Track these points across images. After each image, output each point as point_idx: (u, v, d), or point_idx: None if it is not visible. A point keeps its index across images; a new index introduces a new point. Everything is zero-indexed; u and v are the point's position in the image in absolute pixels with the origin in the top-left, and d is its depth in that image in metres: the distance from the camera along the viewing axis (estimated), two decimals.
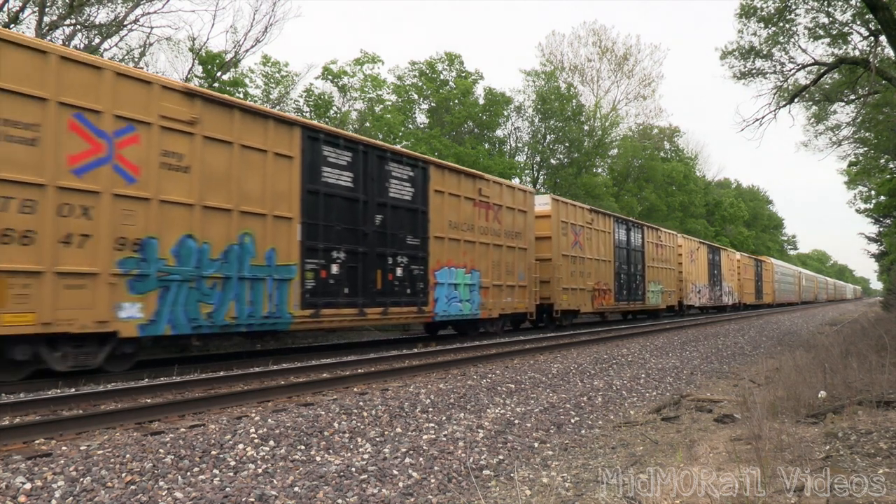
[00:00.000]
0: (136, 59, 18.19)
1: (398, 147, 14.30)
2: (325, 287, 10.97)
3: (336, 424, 6.22)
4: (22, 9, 15.44)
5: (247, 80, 22.93)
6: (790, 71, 17.27)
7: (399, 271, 12.64)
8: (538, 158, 34.89)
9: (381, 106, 27.64)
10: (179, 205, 8.82)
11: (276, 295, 10.10)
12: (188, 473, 4.74)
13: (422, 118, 30.81)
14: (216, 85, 20.44)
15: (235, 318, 9.43)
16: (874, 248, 43.51)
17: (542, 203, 18.29)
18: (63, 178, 7.65)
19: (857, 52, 16.66)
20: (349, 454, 5.51)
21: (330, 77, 26.05)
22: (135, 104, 8.39)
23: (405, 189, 12.90)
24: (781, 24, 16.20)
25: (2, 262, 7.13)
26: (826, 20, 16.18)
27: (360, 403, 7.10)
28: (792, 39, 16.58)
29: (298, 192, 10.56)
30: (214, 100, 9.37)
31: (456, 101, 29.55)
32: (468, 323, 15.46)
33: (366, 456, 5.45)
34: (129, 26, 17.44)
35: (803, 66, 17.09)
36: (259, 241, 9.86)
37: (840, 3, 15.73)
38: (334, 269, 11.19)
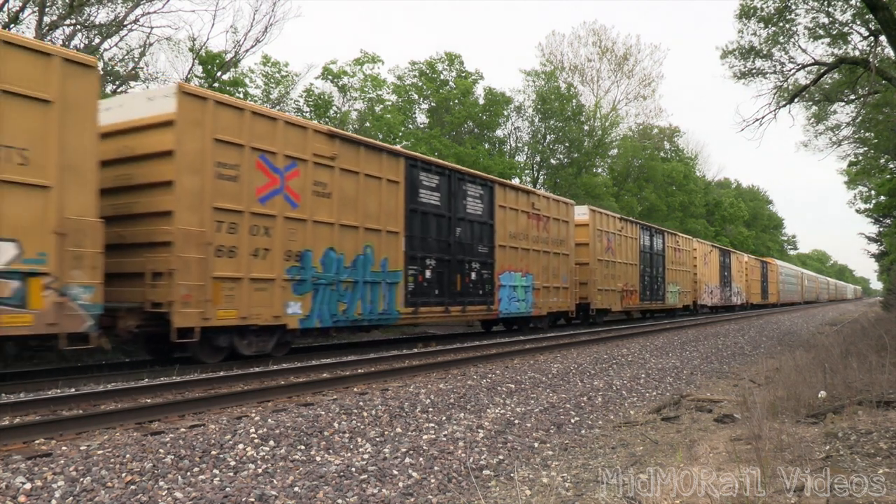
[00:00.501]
0: (136, 60, 18.20)
1: (473, 170, 16.18)
2: (421, 289, 13.15)
3: (336, 424, 6.22)
4: (22, 9, 15.44)
5: (247, 80, 22.94)
6: (790, 71, 17.28)
7: (473, 275, 14.79)
8: (538, 158, 34.89)
9: (381, 106, 27.64)
10: (325, 224, 10.91)
11: (388, 295, 12.28)
12: (188, 473, 4.74)
13: (422, 118, 30.82)
14: (216, 85, 20.44)
15: (361, 315, 11.62)
16: (874, 248, 43.52)
17: (581, 213, 20.23)
18: (253, 205, 9.68)
19: (857, 52, 16.66)
20: (349, 454, 5.51)
21: (330, 77, 26.04)
22: (296, 145, 10.45)
23: (477, 205, 15.04)
24: (781, 24, 16.20)
25: (218, 271, 9.09)
26: (826, 20, 16.19)
27: (360, 403, 7.10)
28: (792, 39, 16.59)
29: (403, 210, 12.73)
30: (347, 139, 11.62)
31: (456, 101, 29.55)
32: (523, 319, 17.49)
33: (366, 456, 5.45)
34: (129, 26, 17.44)
35: (803, 66, 17.10)
36: (376, 252, 12.05)
37: (840, 3, 15.73)
38: (427, 273, 13.37)
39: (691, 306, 30.67)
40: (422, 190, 13.23)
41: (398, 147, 13.90)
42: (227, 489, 4.46)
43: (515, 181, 27.67)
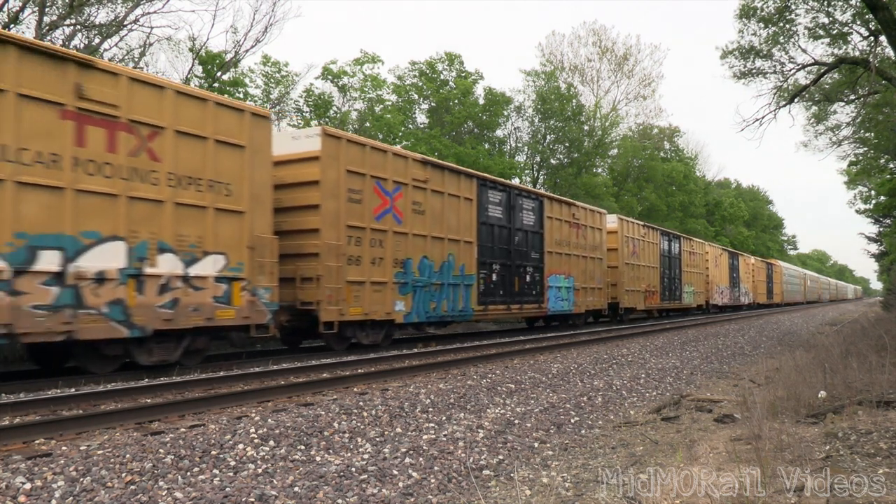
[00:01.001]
0: (136, 60, 18.19)
1: (527, 187, 19.92)
2: (489, 290, 15.57)
3: (336, 424, 6.22)
4: (22, 9, 15.44)
5: (247, 80, 22.94)
6: (790, 71, 17.28)
7: (528, 278, 17.12)
8: (538, 158, 34.88)
9: (381, 106, 27.63)
10: (420, 236, 13.27)
11: (465, 295, 14.61)
12: (188, 473, 4.74)
13: (422, 118, 30.81)
14: (216, 85, 20.44)
15: (446, 311, 13.96)
16: (874, 248, 43.53)
17: (611, 221, 22.67)
18: (371, 223, 12.04)
19: (857, 52, 16.66)
20: (349, 454, 5.51)
21: (330, 77, 26.03)
22: (400, 172, 12.81)
23: (530, 217, 17.42)
24: (781, 24, 16.20)
25: (349, 276, 11.43)
26: (826, 20, 16.18)
27: (360, 403, 7.10)
28: (792, 39, 16.59)
29: (475, 223, 15.12)
30: (435, 164, 14.07)
31: (456, 101, 29.54)
32: (565, 316, 19.90)
33: (366, 456, 5.45)
34: (129, 26, 17.44)
35: (803, 66, 17.09)
36: (456, 259, 14.40)
37: (840, 3, 15.73)
38: (494, 277, 15.76)
39: (704, 306, 32.88)
40: (489, 205, 15.68)
41: (472, 170, 16.20)
42: (227, 489, 4.46)
43: (515, 180, 27.69)
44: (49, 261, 7.41)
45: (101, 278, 7.89)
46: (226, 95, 12.95)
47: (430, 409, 7.23)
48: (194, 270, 8.97)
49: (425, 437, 6.14)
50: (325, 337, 11.52)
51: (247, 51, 21.04)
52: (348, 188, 11.50)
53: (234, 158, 9.54)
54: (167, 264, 8.64)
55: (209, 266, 9.16)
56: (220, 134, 9.32)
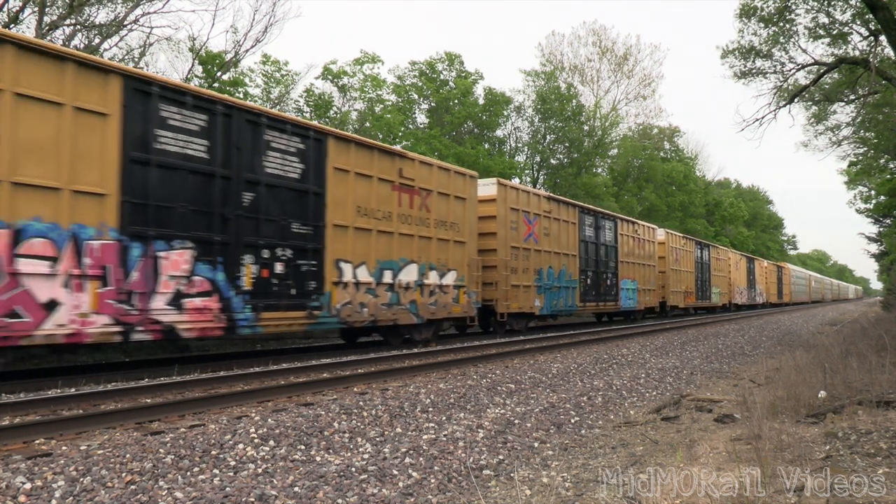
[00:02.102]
0: (136, 60, 18.19)
1: (608, 211, 24.31)
2: (586, 291, 20.37)
3: (336, 424, 6.22)
4: (22, 9, 15.43)
5: (247, 80, 22.93)
6: (790, 71, 17.28)
7: (608, 282, 21.95)
8: (538, 158, 34.88)
9: (381, 106, 27.63)
10: (547, 252, 17.87)
11: (571, 296, 19.34)
12: (188, 473, 4.74)
13: (422, 118, 30.81)
14: (216, 85, 20.43)
15: (562, 307, 18.64)
16: (874, 248, 43.57)
17: (660, 234, 27.61)
18: (521, 244, 16.73)
19: (857, 52, 16.66)
20: (349, 454, 5.51)
21: (330, 77, 26.04)
22: (534, 206, 17.46)
23: (609, 235, 22.17)
24: (781, 24, 16.20)
25: (512, 281, 16.07)
26: (826, 20, 16.18)
27: (360, 403, 7.10)
28: (792, 39, 16.59)
29: (577, 241, 19.90)
30: (555, 199, 18.75)
31: (456, 101, 29.54)
32: (628, 313, 24.46)
33: (366, 456, 5.45)
34: (129, 26, 17.44)
35: (803, 66, 17.09)
36: (567, 269, 19.09)
37: (840, 3, 15.73)
38: (588, 281, 20.55)
39: (728, 304, 37.82)
40: (585, 227, 20.38)
41: (575, 201, 20.92)
42: (227, 489, 4.46)
43: (515, 181, 27.72)
44: (387, 277, 12.22)
45: (407, 286, 12.67)
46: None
47: (430, 409, 7.23)
48: (444, 281, 13.84)
49: (425, 436, 6.14)
50: (495, 324, 16.43)
51: (247, 51, 21.07)
52: (510, 220, 16.28)
53: (461, 206, 14.39)
54: (433, 278, 13.49)
55: (450, 278, 14.01)
56: (457, 191, 14.26)
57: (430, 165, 13.58)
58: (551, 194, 19.47)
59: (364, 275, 11.68)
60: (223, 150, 9.27)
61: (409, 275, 12.73)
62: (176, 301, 8.58)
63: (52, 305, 7.30)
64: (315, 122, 14.56)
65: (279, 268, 10.09)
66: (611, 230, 22.38)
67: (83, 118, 7.68)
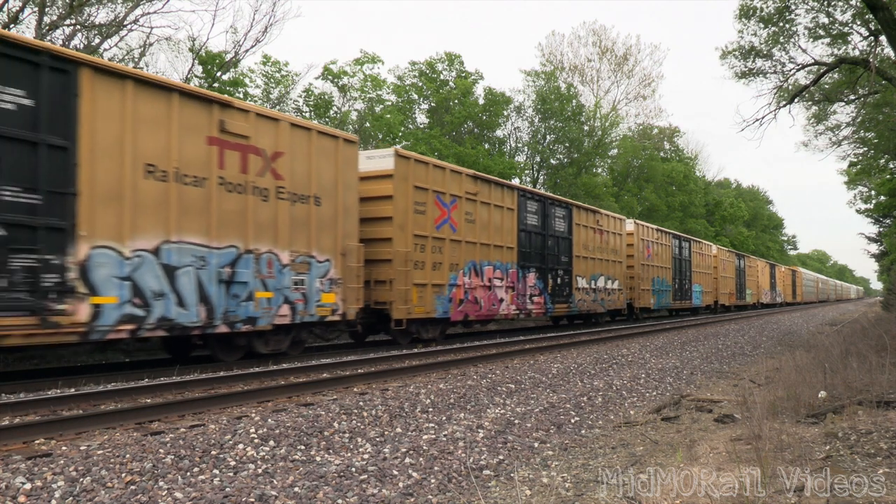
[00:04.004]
0: (136, 60, 18.19)
1: (682, 234, 31.48)
2: (674, 293, 27.51)
3: (336, 424, 6.22)
4: (22, 9, 15.43)
5: (246, 80, 22.92)
6: (790, 71, 17.28)
7: (685, 286, 29.59)
8: (538, 158, 34.87)
9: (381, 106, 27.63)
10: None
11: (666, 297, 26.39)
12: (188, 473, 4.74)
13: (422, 118, 30.81)
14: (216, 85, 20.43)
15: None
16: (874, 248, 43.56)
17: (714, 249, 35.58)
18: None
19: (857, 52, 16.66)
20: (349, 454, 5.51)
21: (330, 77, 26.03)
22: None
23: (686, 253, 29.71)
24: (781, 24, 16.20)
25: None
26: (826, 20, 16.19)
27: (360, 403, 7.09)
28: (792, 39, 16.59)
29: (671, 259, 27.42)
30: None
31: (456, 101, 29.53)
32: (695, 309, 32.49)
33: (366, 456, 5.45)
34: (128, 26, 17.43)
35: (803, 66, 17.09)
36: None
37: (840, 3, 15.73)
38: (675, 286, 27.88)
39: (756, 303, 45.31)
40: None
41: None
42: (227, 489, 4.46)
43: (515, 181, 27.74)
44: (586, 283, 19.24)
45: (596, 289, 19.55)
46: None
47: (430, 409, 7.23)
48: (608, 286, 20.85)
49: (425, 437, 6.14)
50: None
51: (247, 51, 21.06)
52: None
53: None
54: (601, 282, 20.40)
55: (602, 282, 19.36)
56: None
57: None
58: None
59: (584, 283, 19.93)
60: (543, 221, 17.87)
61: (601, 283, 21.00)
62: (530, 298, 17.19)
63: (501, 301, 15.80)
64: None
65: (557, 281, 18.50)
66: (686, 250, 29.82)
67: (505, 213, 16.12)
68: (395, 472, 5.09)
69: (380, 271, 12.50)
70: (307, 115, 24.73)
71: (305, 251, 10.59)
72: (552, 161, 34.98)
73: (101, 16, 17.20)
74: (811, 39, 16.77)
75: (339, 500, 4.47)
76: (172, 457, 4.93)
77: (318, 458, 5.33)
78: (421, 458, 5.48)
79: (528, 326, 21.71)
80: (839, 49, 16.90)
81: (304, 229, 10.58)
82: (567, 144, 34.67)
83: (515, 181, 28.55)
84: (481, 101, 30.84)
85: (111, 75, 8.05)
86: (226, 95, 11.35)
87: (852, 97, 18.30)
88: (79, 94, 7.73)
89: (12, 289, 7.06)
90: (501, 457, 5.81)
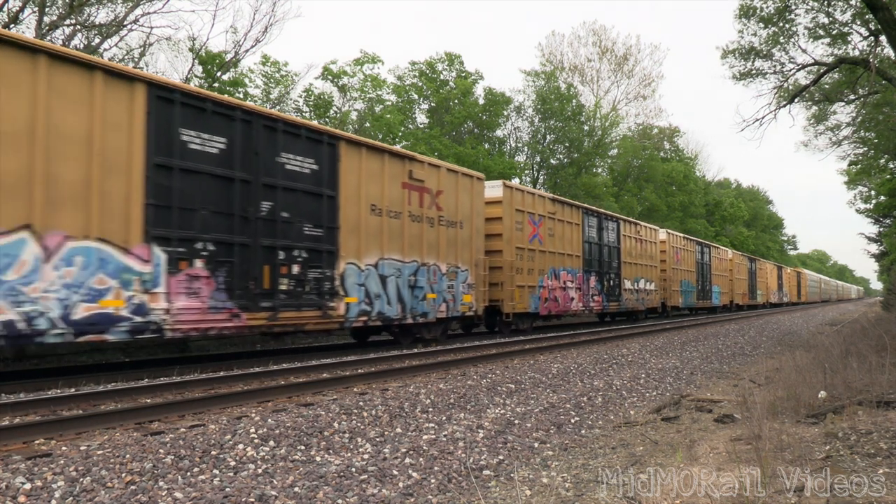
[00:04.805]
0: (136, 60, 18.19)
1: (703, 241, 35.31)
2: (697, 294, 31.32)
3: (336, 424, 6.22)
4: (22, 9, 15.43)
5: (246, 80, 22.92)
6: (790, 71, 17.28)
7: (707, 287, 33.12)
8: (538, 158, 34.88)
9: (381, 106, 27.62)
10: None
11: (691, 296, 30.48)
12: (188, 473, 4.74)
13: (422, 118, 30.81)
14: (216, 85, 20.43)
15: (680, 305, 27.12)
16: (874, 248, 43.55)
17: (730, 254, 39.41)
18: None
19: (857, 52, 16.66)
20: (349, 454, 5.50)
21: (330, 77, 26.03)
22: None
23: (707, 257, 33.30)
24: (781, 25, 16.20)
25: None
26: (826, 20, 16.19)
27: (360, 403, 7.09)
28: (792, 39, 16.59)
29: (695, 263, 31.50)
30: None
31: (456, 101, 29.53)
32: (712, 308, 35.31)
33: (366, 456, 5.45)
34: (128, 26, 17.44)
35: (803, 66, 17.09)
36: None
37: (840, 3, 15.73)
38: (699, 287, 31.47)
39: (766, 303, 49.24)
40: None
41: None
42: (227, 489, 4.46)
43: (515, 181, 27.74)
44: (631, 284, 23.17)
45: (638, 289, 23.50)
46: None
47: (430, 409, 7.23)
48: (647, 287, 23.78)
49: (425, 437, 6.14)
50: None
51: (247, 51, 21.07)
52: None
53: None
54: (642, 284, 23.73)
55: (642, 284, 22.84)
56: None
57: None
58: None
59: (630, 285, 23.62)
60: (599, 234, 21.67)
61: (641, 284, 24.03)
62: (592, 297, 20.53)
63: (572, 299, 19.18)
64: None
65: (610, 283, 21.95)
66: (708, 256, 32.98)
67: (573, 227, 19.86)
68: (395, 472, 5.09)
69: (493, 276, 15.89)
70: (307, 115, 24.74)
71: (454, 263, 14.23)
72: (552, 161, 34.99)
73: (101, 16, 17.22)
74: (811, 39, 16.78)
75: (339, 500, 4.47)
76: (172, 457, 4.93)
77: (318, 458, 5.33)
78: (421, 458, 5.48)
79: (584, 322, 26.16)
80: (839, 49, 16.91)
81: (453, 247, 14.23)
82: (567, 144, 34.67)
83: (515, 181, 28.57)
84: (481, 101, 30.84)
85: (354, 145, 11.68)
86: (412, 151, 14.89)
87: (852, 97, 18.30)
88: (339, 160, 11.29)
89: (309, 293, 10.50)
90: (501, 457, 5.81)
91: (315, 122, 12.42)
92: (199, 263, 8.84)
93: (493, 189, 16.31)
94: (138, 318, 8.10)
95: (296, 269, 10.28)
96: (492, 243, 15.98)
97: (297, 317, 10.22)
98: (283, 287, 10.01)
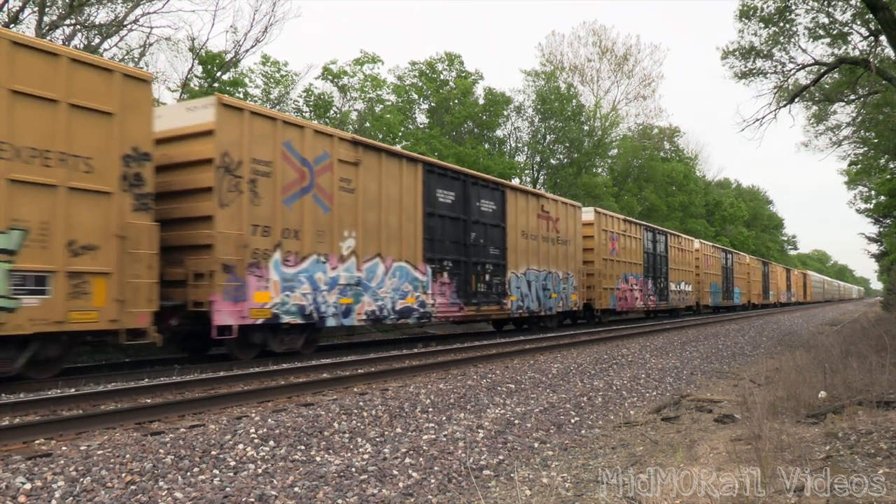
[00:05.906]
0: (136, 60, 18.19)
1: (727, 248, 39.24)
2: (722, 294, 35.22)
3: (336, 424, 6.22)
4: (22, 9, 15.43)
5: (246, 80, 22.91)
6: (790, 71, 17.29)
7: (730, 288, 37.25)
8: (538, 158, 34.87)
9: (381, 106, 27.61)
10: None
11: (718, 296, 34.84)
12: (188, 473, 4.74)
13: (422, 118, 30.79)
14: (216, 85, 20.43)
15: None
16: (874, 248, 43.57)
17: (746, 259, 42.67)
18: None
19: (857, 52, 16.66)
20: (349, 454, 5.50)
21: (330, 77, 26.00)
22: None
23: (729, 262, 37.97)
24: (781, 25, 16.20)
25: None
26: (826, 20, 16.19)
27: (360, 403, 7.09)
28: (792, 39, 16.59)
29: (720, 268, 36.14)
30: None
31: (456, 101, 29.52)
32: (734, 307, 38.52)
33: (366, 456, 5.45)
34: (128, 26, 17.43)
35: (803, 66, 17.10)
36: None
37: (840, 3, 15.73)
38: (723, 288, 36.57)
39: (776, 303, 53.28)
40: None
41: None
42: (227, 489, 4.46)
43: (515, 181, 27.73)
44: (675, 287, 28.04)
45: (680, 290, 26.50)
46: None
47: (430, 409, 7.23)
48: (685, 289, 28.48)
49: (425, 437, 6.14)
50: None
51: (247, 51, 21.06)
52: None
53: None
54: (682, 286, 27.91)
55: (682, 286, 25.73)
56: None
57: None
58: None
59: (674, 287, 27.10)
60: (653, 245, 25.76)
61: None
62: (649, 298, 24.79)
63: (636, 299, 23.78)
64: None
65: (660, 286, 24.52)
66: (723, 259, 36.12)
67: (637, 241, 24.43)
68: (395, 472, 5.09)
69: (587, 280, 20.51)
70: (307, 115, 24.72)
71: (566, 271, 19.00)
72: (552, 161, 34.98)
73: (101, 16, 17.21)
74: (811, 39, 16.78)
75: (339, 500, 4.48)
76: (172, 457, 4.93)
77: (318, 458, 5.33)
78: (421, 459, 5.48)
79: (638, 319, 28.50)
80: (839, 49, 16.91)
81: (564, 259, 18.98)
82: (567, 144, 34.66)
83: (515, 181, 28.59)
84: (481, 101, 30.83)
85: (513, 190, 16.85)
86: (540, 190, 20.19)
87: (852, 97, 18.30)
88: (506, 201, 16.32)
89: (491, 293, 15.43)
90: (501, 457, 5.81)
91: (493, 177, 17.26)
92: (445, 275, 13.87)
93: (587, 213, 21.05)
94: (421, 310, 13.09)
95: (486, 277, 15.27)
96: (586, 255, 20.62)
97: (488, 309, 15.30)
98: (481, 289, 15.00)
